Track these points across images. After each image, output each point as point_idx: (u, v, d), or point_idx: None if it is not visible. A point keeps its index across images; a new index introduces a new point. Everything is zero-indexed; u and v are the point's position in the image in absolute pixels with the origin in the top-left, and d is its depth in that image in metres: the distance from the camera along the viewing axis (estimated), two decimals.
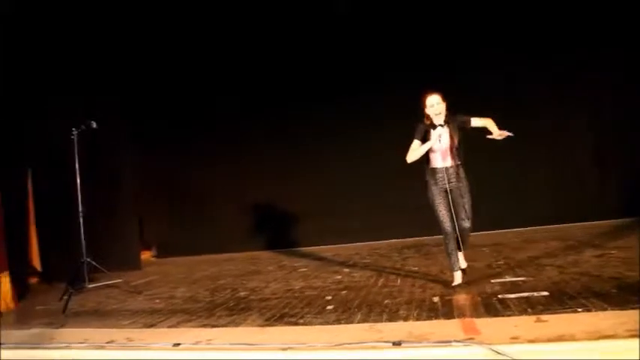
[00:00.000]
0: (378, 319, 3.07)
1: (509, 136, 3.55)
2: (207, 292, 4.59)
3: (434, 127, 3.58)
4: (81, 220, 4.71)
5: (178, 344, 2.90)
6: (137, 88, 7.33)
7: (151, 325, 3.52)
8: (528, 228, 6.32)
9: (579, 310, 2.76)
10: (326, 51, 6.81)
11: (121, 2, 6.11)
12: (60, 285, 5.10)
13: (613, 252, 4.29)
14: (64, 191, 5.64)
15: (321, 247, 6.92)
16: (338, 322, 3.12)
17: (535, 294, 3.22)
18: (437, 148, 3.59)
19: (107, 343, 3.11)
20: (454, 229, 3.59)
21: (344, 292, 4.00)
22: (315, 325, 3.13)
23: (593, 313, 2.68)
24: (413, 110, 3.60)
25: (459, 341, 2.42)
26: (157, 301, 4.42)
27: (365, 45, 6.69)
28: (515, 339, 2.40)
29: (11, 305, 4.53)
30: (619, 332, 2.31)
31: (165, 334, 3.22)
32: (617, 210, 6.00)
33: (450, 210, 3.60)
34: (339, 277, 4.71)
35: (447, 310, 3.09)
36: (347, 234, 6.93)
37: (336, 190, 7.04)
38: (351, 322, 3.07)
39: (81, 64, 6.20)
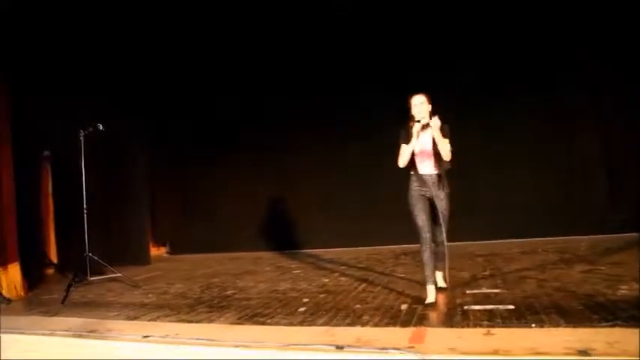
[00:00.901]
0: (339, 324, 3.17)
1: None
2: (199, 289, 4.79)
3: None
4: (85, 216, 5.00)
5: (147, 336, 3.10)
6: (152, 90, 7.70)
7: (135, 318, 3.74)
8: (535, 239, 6.19)
9: (533, 325, 2.77)
10: (330, 51, 6.86)
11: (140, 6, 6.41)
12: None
13: (602, 268, 4.18)
14: (79, 189, 6.02)
15: (325, 249, 7.02)
16: (301, 323, 3.24)
17: (501, 307, 3.22)
18: (418, 149, 3.54)
19: (89, 332, 3.34)
20: (432, 237, 3.57)
21: (322, 295, 4.10)
22: (280, 325, 3.26)
23: (543, 330, 2.68)
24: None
25: (396, 349, 2.48)
26: (150, 295, 4.66)
27: (368, 45, 6.69)
28: (452, 350, 2.44)
29: (22, 293, 4.89)
30: (556, 350, 2.32)
31: (141, 327, 3.43)
32: (630, 223, 5.79)
33: (429, 218, 3.57)
34: (327, 280, 4.81)
35: (407, 319, 3.14)
36: (351, 238, 7.00)
37: (345, 194, 7.12)
38: (313, 325, 3.19)
39: (99, 65, 6.53)
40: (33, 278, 5.30)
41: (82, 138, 4.95)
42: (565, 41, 5.99)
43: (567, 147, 6.29)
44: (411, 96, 3.56)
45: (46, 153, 6.28)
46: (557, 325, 2.73)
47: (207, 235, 7.80)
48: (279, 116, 7.39)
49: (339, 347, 2.59)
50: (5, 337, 3.34)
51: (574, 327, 2.66)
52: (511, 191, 6.29)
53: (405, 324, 3.04)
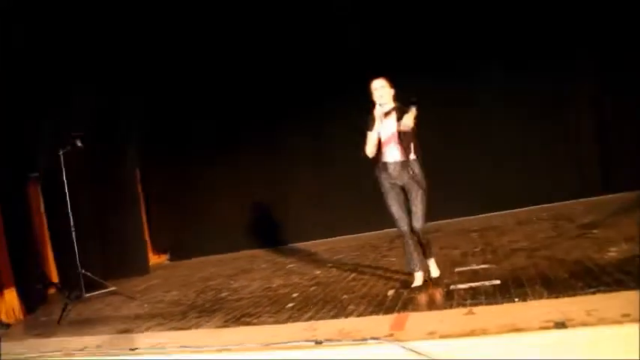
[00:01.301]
0: (324, 317, 3.15)
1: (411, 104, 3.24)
2: (193, 295, 4.79)
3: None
4: (73, 235, 5.02)
5: (135, 349, 3.10)
6: (148, 95, 7.70)
7: (126, 331, 3.75)
8: (532, 207, 6.09)
9: (516, 300, 2.72)
10: (320, 49, 6.79)
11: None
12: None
13: (595, 231, 4.11)
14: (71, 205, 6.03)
15: (323, 240, 6.97)
16: (287, 320, 3.23)
17: (487, 283, 3.18)
18: (384, 136, 3.36)
19: (79, 350, 3.35)
20: (410, 227, 3.40)
21: (312, 288, 4.09)
22: (266, 324, 3.24)
23: (525, 304, 2.64)
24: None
25: (375, 338, 2.45)
26: (145, 306, 4.67)
27: (360, 44, 6.60)
28: (431, 334, 2.41)
29: (20, 317, 4.93)
30: (533, 324, 2.27)
31: (131, 340, 3.43)
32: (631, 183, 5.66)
33: (404, 208, 3.42)
34: (318, 272, 4.79)
35: (392, 305, 3.11)
36: (347, 226, 6.96)
37: (336, 182, 7.07)
38: (298, 320, 3.17)
39: (85, 68, 6.52)
40: (32, 300, 5.32)
41: (61, 156, 4.91)
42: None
43: (559, 111, 6.15)
44: (371, 80, 3.40)
45: (34, 174, 6.27)
46: (540, 297, 2.68)
47: (204, 238, 7.78)
48: (272, 114, 7.32)
49: (318, 342, 2.57)
50: None
51: (556, 297, 2.61)
52: (504, 160, 6.18)
53: (389, 310, 3.01)
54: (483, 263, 3.77)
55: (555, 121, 6.07)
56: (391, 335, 2.49)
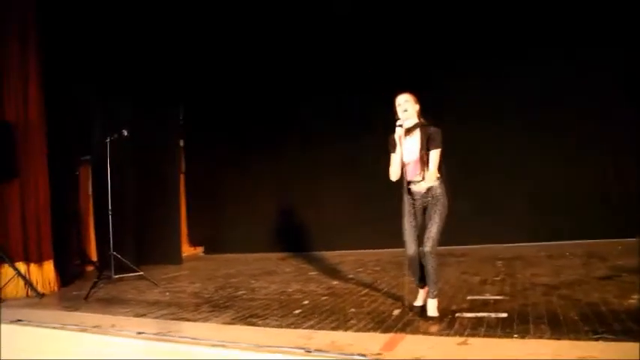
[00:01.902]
0: (324, 327, 3.18)
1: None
2: (213, 289, 4.96)
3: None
4: (110, 218, 5.31)
5: (141, 333, 3.27)
6: (191, 95, 8.11)
7: (142, 315, 3.95)
8: (569, 242, 5.82)
9: (515, 336, 2.64)
10: (365, 59, 6.88)
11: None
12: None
13: (624, 275, 3.88)
14: (115, 190, 6.43)
15: (353, 251, 6.98)
16: (289, 326, 3.28)
17: (493, 315, 3.10)
18: (405, 157, 3.24)
19: (93, 327, 3.57)
20: (417, 253, 3.29)
21: (324, 297, 4.12)
22: (270, 327, 3.32)
23: (522, 341, 2.56)
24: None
25: (362, 355, 2.47)
26: (167, 293, 4.88)
27: (377, 48, 6.70)
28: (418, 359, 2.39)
29: (55, 289, 5.30)
30: None
31: (142, 324, 3.61)
32: None
33: (415, 232, 3.28)
34: (336, 282, 4.82)
35: (392, 324, 3.10)
36: (377, 240, 6.91)
37: (372, 195, 7.04)
38: (299, 327, 3.21)
39: (139, 66, 6.98)
40: (69, 275, 5.70)
41: (108, 144, 5.25)
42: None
43: (604, 146, 5.86)
44: (396, 95, 3.31)
45: (87, 157, 6.73)
46: (541, 337, 2.59)
47: (238, 236, 8.01)
48: (314, 118, 7.45)
49: (308, 351, 2.61)
50: (20, 327, 3.67)
51: (556, 339, 2.51)
52: (544, 191, 5.97)
53: (388, 329, 3.00)
54: (498, 294, 3.66)
55: (602, 157, 5.80)
56: (379, 355, 2.49)
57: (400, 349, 2.57)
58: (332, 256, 6.81)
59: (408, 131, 3.27)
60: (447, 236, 6.26)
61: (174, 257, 7.14)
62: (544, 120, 5.90)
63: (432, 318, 3.17)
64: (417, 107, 3.32)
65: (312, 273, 5.55)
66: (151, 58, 7.10)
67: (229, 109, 8.15)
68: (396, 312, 3.43)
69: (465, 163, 6.35)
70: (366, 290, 4.30)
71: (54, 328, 3.61)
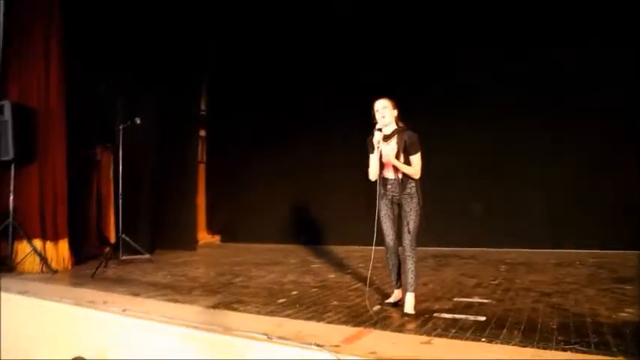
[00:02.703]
0: (300, 317, 3.19)
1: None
2: (213, 275, 5.08)
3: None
4: (120, 202, 5.53)
5: (126, 310, 3.39)
6: (215, 87, 8.27)
7: (135, 294, 4.08)
8: (585, 251, 5.57)
9: (483, 340, 2.56)
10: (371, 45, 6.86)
11: None
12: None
13: (627, 288, 3.68)
14: (135, 176, 6.69)
15: (364, 247, 6.91)
16: (268, 313, 3.31)
17: (471, 318, 3.02)
18: (384, 157, 3.28)
19: (88, 302, 3.73)
20: (397, 245, 3.36)
21: (314, 289, 4.13)
22: (248, 313, 3.36)
23: (487, 345, 2.48)
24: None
25: (319, 346, 2.46)
26: (169, 277, 5.03)
27: (402, 42, 6.64)
28: (372, 354, 2.36)
29: (68, 266, 5.56)
30: None
31: (131, 302, 3.74)
32: None
33: (394, 225, 3.36)
34: (332, 275, 4.82)
35: (365, 320, 3.06)
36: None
37: None
38: (276, 315, 3.24)
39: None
40: (83, 254, 5.97)
41: (121, 130, 5.45)
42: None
43: (630, 155, 5.55)
44: (374, 101, 3.32)
45: (109, 144, 7.00)
46: (509, 342, 2.50)
47: (254, 226, 8.14)
48: (330, 112, 7.46)
49: (269, 338, 2.63)
50: (22, 298, 3.89)
51: (523, 346, 2.42)
52: (564, 198, 5.74)
53: (360, 324, 2.97)
54: (486, 298, 3.56)
55: (628, 168, 5.49)
56: (337, 347, 2.47)
57: (360, 343, 2.55)
58: (342, 250, 6.81)
59: (387, 137, 3.30)
60: (457, 238, 6.27)
61: (188, 243, 7.34)
62: (566, 125, 5.68)
63: (407, 315, 3.13)
64: (395, 113, 3.32)
65: (314, 265, 5.57)
66: (175, 48, 7.29)
67: (252, 101, 8.28)
68: (376, 308, 3.39)
69: (483, 166, 6.23)
70: (358, 285, 4.28)
71: (51, 300, 3.81)
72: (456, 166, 6.38)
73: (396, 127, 3.32)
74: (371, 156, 3.33)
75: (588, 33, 5.50)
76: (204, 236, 8.50)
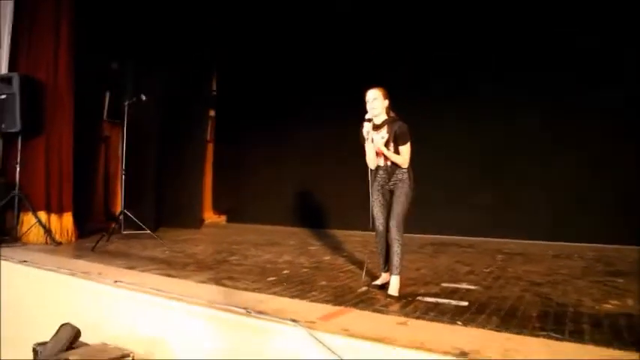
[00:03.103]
0: (285, 295, 3.23)
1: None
2: (210, 252, 5.17)
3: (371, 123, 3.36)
4: (122, 178, 5.63)
5: (117, 281, 3.48)
6: (226, 68, 8.29)
7: (131, 268, 4.17)
8: (587, 244, 5.49)
9: (459, 323, 2.57)
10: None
11: None
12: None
13: (619, 281, 3.64)
14: (141, 153, 6.78)
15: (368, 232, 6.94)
16: (255, 290, 3.36)
17: (453, 302, 3.02)
18: (375, 147, 3.36)
19: (83, 272, 3.83)
20: (386, 229, 3.37)
21: (305, 270, 4.17)
22: (235, 289, 3.42)
23: (462, 329, 2.49)
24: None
25: (294, 321, 2.50)
26: (167, 252, 5.12)
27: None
28: (344, 330, 2.39)
29: (72, 239, 5.70)
30: (442, 347, 2.16)
31: (125, 274, 3.82)
32: None
33: (384, 210, 3.40)
34: (327, 258, 4.86)
35: (348, 299, 3.10)
36: None
37: None
38: (263, 293, 3.28)
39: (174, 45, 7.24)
40: (87, 228, 6.11)
41: (126, 107, 5.53)
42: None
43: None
44: (365, 91, 3.35)
45: (118, 121, 7.10)
46: (484, 327, 2.50)
47: (259, 207, 8.21)
48: (340, 99, 7.42)
49: (248, 312, 2.68)
50: (22, 267, 4.02)
51: (497, 331, 2.43)
52: (569, 190, 5.65)
53: (342, 303, 3.00)
54: (475, 285, 3.55)
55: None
56: (312, 323, 2.51)
57: (336, 321, 2.58)
58: (343, 234, 6.82)
59: (377, 127, 3.36)
60: (458, 227, 6.24)
61: (193, 222, 7.46)
62: (570, 119, 5.57)
63: (390, 297, 3.16)
64: (386, 103, 3.36)
65: (312, 247, 5.61)
66: (186, 27, 7.32)
67: (262, 82, 8.26)
68: (362, 289, 3.42)
69: (488, 157, 6.17)
70: (350, 267, 4.32)
71: (48, 270, 3.92)
72: (459, 157, 6.34)
73: (386, 117, 3.37)
74: (366, 146, 3.39)
75: (588, 33, 5.38)
76: (210, 216, 8.61)
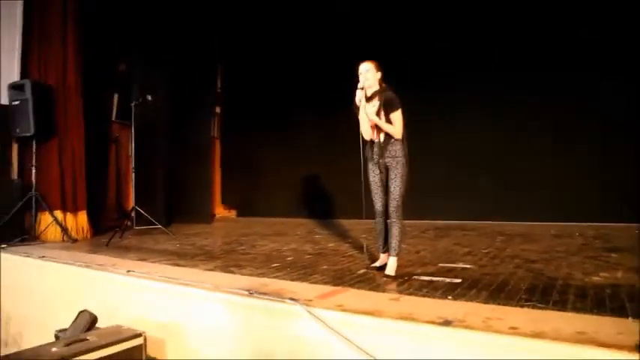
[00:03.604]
0: (286, 278, 3.39)
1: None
2: (219, 243, 5.35)
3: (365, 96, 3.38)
4: (133, 175, 5.84)
5: (130, 271, 3.68)
6: (232, 64, 8.46)
7: (143, 260, 4.38)
8: (589, 224, 5.55)
9: (449, 298, 2.71)
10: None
11: None
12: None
13: (613, 256, 3.73)
14: (150, 152, 7.00)
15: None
16: (259, 275, 3.52)
17: (447, 280, 3.15)
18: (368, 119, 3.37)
19: (98, 265, 4.05)
20: (386, 209, 3.47)
21: (309, 256, 4.33)
22: (240, 275, 3.59)
23: (451, 302, 2.62)
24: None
25: (293, 299, 2.66)
26: (178, 245, 5.33)
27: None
28: (339, 307, 2.54)
29: (88, 236, 5.96)
30: (428, 317, 2.30)
31: (137, 265, 4.02)
32: None
33: (383, 188, 3.46)
34: (332, 244, 5.02)
35: (346, 280, 3.24)
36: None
37: None
38: (266, 277, 3.44)
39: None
40: (101, 225, 6.36)
41: (132, 107, 5.74)
42: None
43: None
44: (358, 63, 3.41)
45: (127, 122, 7.32)
46: (472, 300, 2.64)
47: (269, 201, 8.41)
48: (345, 92, 7.54)
49: (251, 293, 2.85)
50: (42, 262, 4.25)
51: (483, 303, 2.56)
52: (572, 171, 5.73)
53: (340, 284, 3.15)
54: (471, 264, 3.68)
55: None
56: (309, 301, 2.67)
57: (333, 299, 2.73)
58: (349, 223, 6.95)
59: (369, 98, 3.41)
60: (461, 211, 6.33)
61: (204, 216, 7.68)
62: (570, 103, 5.63)
63: (387, 277, 3.30)
64: (378, 75, 3.41)
65: (317, 236, 5.78)
66: (192, 24, 7.48)
67: (267, 78, 8.41)
68: (361, 271, 3.56)
69: (493, 139, 6.24)
70: (352, 252, 4.47)
71: (66, 263, 4.15)
72: (466, 143, 6.44)
73: (377, 88, 3.42)
74: (360, 115, 3.42)
75: (588, 33, 5.42)
76: (220, 211, 8.83)
